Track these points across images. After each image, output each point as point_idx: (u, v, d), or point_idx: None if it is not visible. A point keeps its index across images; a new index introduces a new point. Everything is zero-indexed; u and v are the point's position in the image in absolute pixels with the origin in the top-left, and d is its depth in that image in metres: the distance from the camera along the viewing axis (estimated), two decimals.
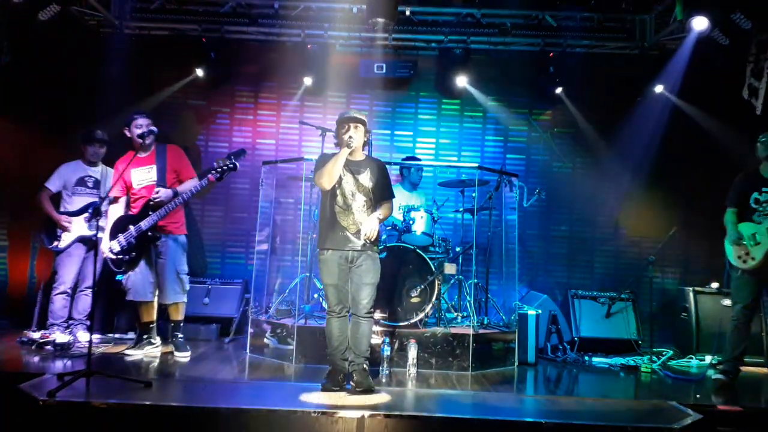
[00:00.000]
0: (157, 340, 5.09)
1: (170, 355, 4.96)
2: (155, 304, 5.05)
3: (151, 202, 4.77)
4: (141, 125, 4.93)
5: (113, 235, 4.83)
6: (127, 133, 5.00)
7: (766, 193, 4.65)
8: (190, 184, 4.87)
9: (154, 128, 4.85)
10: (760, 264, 4.55)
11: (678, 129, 6.57)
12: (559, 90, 6.67)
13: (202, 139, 6.86)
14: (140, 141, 4.77)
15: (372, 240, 3.99)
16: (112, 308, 5.74)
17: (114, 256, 4.79)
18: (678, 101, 6.55)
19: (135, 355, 4.94)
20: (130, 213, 4.92)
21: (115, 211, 4.97)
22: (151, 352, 5.01)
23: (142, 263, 4.90)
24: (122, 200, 4.99)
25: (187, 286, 5.03)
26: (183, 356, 4.92)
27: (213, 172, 4.64)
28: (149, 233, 4.79)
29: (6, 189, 6.17)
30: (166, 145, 5.06)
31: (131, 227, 4.79)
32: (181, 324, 5.05)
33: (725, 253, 4.81)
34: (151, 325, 5.08)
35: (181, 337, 5.02)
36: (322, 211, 4.13)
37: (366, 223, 3.98)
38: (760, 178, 4.69)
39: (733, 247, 4.72)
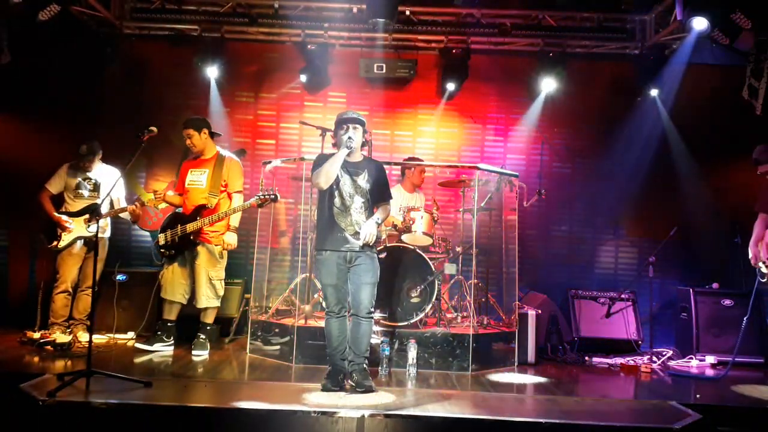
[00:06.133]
0: (170, 339, 5.15)
1: (183, 355, 5.01)
2: (180, 306, 5.15)
3: (203, 209, 4.99)
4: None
5: (165, 228, 5.06)
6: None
7: None
8: (237, 216, 5.09)
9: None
10: None
11: (677, 128, 6.58)
12: (559, 90, 6.67)
13: None
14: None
15: (370, 244, 4.00)
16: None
17: (158, 248, 5.06)
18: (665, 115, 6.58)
19: (145, 349, 5.01)
20: (182, 211, 5.11)
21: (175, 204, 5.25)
22: (162, 349, 5.08)
23: (177, 264, 5.08)
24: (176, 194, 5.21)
25: (221, 292, 5.17)
26: (198, 355, 5.00)
27: (256, 198, 4.83)
28: (191, 237, 4.96)
29: (6, 189, 6.17)
30: (226, 157, 5.20)
31: (179, 226, 4.98)
32: (208, 327, 5.17)
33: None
34: (168, 324, 5.15)
35: (203, 338, 5.10)
36: (319, 212, 4.14)
37: (365, 227, 3.98)
38: None
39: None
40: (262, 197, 4.82)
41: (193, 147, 5.17)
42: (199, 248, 5.04)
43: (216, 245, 5.07)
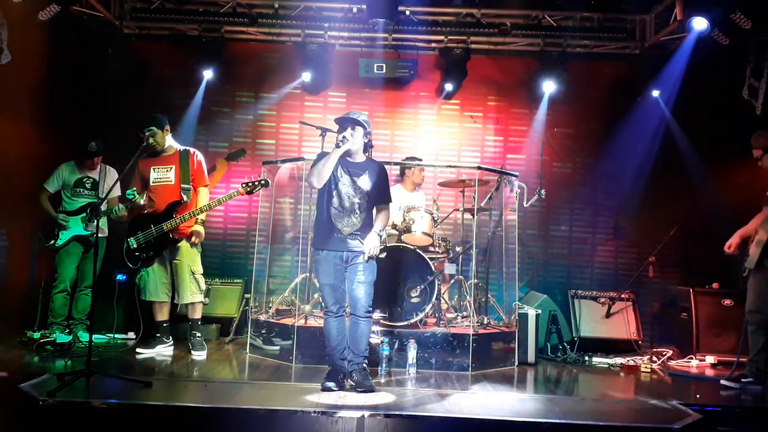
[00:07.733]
0: (170, 339, 5.13)
1: (183, 355, 4.99)
2: (168, 304, 5.10)
3: (178, 206, 4.88)
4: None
5: (132, 231, 4.92)
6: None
7: None
8: (207, 200, 5.01)
9: (153, 128, 4.87)
10: None
11: (678, 128, 6.58)
12: (559, 90, 6.67)
13: (202, 139, 6.85)
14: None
15: (374, 258, 4.00)
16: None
17: (132, 252, 4.90)
18: (668, 114, 6.58)
19: (146, 353, 4.97)
20: (149, 211, 4.98)
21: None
22: (163, 351, 5.05)
23: (156, 263, 5.00)
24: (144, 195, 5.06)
25: (204, 286, 5.11)
26: (199, 355, 4.96)
27: (244, 185, 4.75)
28: (170, 235, 4.88)
29: (6, 189, 6.16)
30: (190, 150, 5.14)
31: (152, 226, 4.87)
32: (199, 323, 5.11)
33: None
34: (164, 324, 5.12)
35: (198, 336, 5.06)
36: (318, 212, 4.13)
37: (367, 242, 3.97)
38: None
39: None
40: (252, 184, 4.74)
41: (156, 145, 5.00)
42: (180, 243, 4.96)
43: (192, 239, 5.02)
